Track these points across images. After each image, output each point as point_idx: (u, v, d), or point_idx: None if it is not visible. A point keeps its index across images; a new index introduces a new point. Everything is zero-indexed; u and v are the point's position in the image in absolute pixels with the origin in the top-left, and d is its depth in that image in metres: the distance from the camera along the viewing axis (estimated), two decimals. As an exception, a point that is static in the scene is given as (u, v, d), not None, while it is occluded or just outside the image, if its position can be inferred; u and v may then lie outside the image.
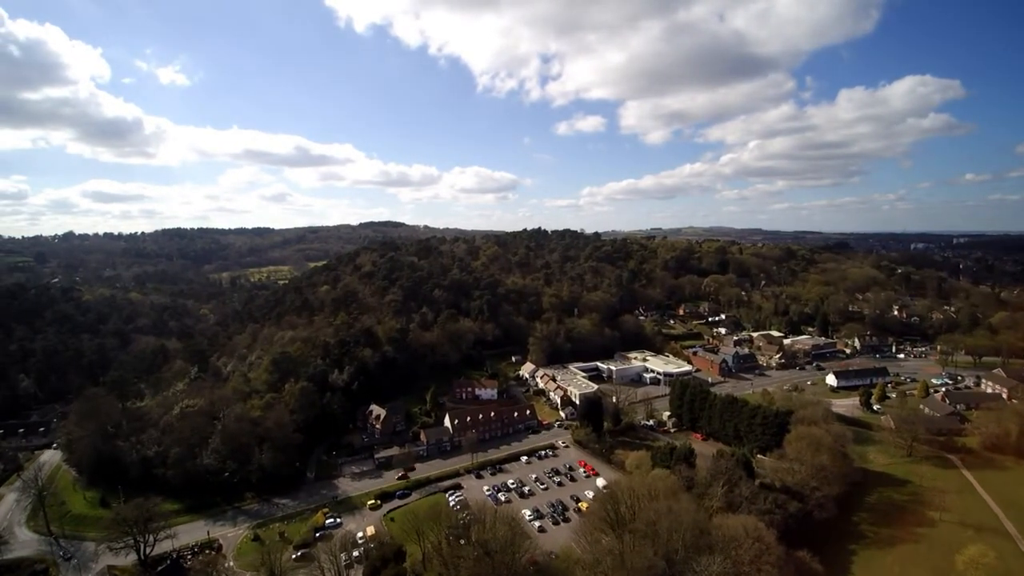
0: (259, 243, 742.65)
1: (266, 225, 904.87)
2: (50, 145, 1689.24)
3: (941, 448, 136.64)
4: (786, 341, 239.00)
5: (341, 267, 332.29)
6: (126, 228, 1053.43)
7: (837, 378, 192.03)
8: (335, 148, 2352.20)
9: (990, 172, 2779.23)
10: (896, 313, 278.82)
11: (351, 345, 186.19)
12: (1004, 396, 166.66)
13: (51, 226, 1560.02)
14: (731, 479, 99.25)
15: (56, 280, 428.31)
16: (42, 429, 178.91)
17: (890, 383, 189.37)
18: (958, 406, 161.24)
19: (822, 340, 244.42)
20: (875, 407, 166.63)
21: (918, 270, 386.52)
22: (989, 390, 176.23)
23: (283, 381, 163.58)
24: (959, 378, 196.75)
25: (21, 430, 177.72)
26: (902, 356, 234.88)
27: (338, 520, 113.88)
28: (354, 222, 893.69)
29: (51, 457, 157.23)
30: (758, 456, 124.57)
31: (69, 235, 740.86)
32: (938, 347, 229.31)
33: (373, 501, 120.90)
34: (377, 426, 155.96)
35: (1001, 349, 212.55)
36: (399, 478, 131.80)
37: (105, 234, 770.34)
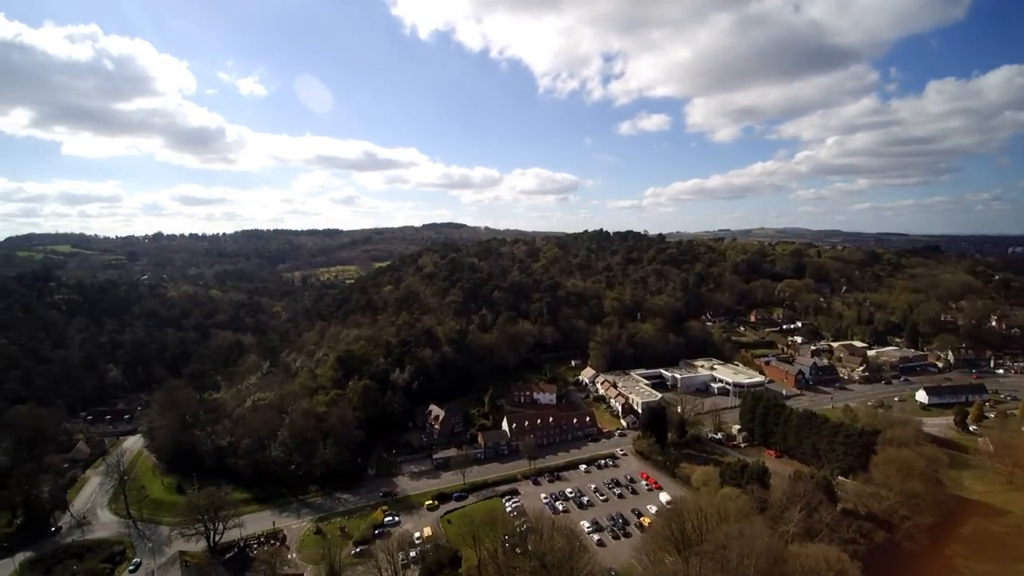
0: (329, 244, 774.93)
1: (335, 227, 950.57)
2: (141, 152, 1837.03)
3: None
4: (870, 352, 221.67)
5: (404, 268, 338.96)
6: (209, 229, 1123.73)
7: (928, 394, 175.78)
8: (400, 152, 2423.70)
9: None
10: (995, 324, 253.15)
11: (412, 345, 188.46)
12: None
13: (143, 227, 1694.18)
14: (810, 503, 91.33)
15: (145, 277, 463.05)
16: (127, 417, 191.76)
17: (988, 401, 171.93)
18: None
19: (911, 352, 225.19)
20: (971, 428, 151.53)
21: (1018, 276, 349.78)
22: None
23: (347, 378, 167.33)
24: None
25: (108, 417, 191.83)
26: (1001, 371, 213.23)
27: (396, 519, 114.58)
28: (417, 223, 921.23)
29: (134, 443, 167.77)
30: (839, 479, 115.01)
31: (158, 235, 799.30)
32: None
33: (431, 501, 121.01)
34: (436, 426, 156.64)
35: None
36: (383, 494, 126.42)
37: (191, 235, 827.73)
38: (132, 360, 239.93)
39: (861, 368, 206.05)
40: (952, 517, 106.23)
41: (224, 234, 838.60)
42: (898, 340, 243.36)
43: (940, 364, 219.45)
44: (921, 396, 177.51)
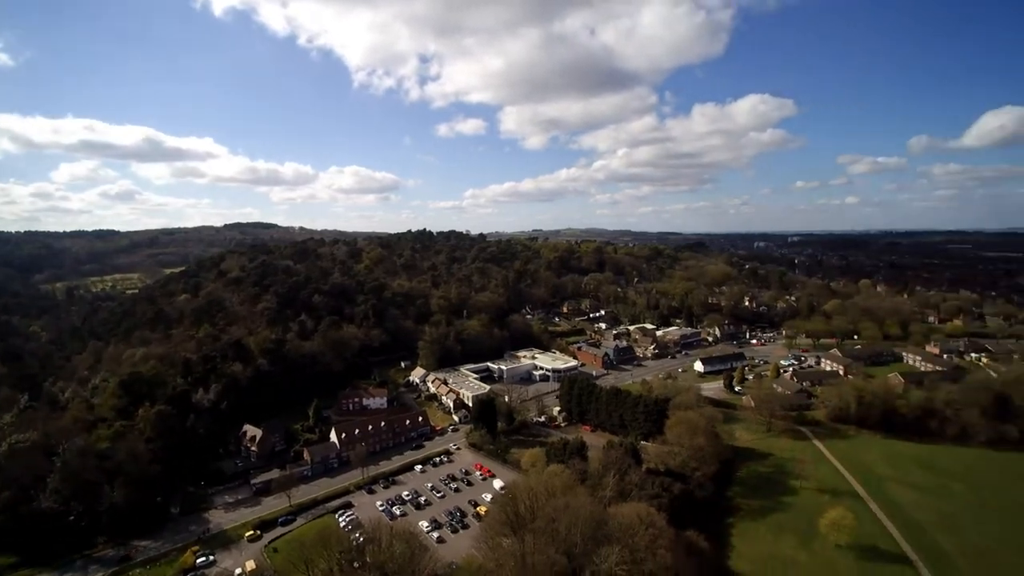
0: (101, 248, 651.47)
1: (110, 227, 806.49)
2: None
3: (794, 422, 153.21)
4: (658, 333, 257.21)
5: (203, 273, 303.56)
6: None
7: (704, 364, 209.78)
8: (193, 141, 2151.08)
9: (817, 180, 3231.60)
10: (747, 304, 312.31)
11: (218, 360, 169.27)
12: (841, 373, 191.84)
13: None
14: (621, 468, 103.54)
15: None
16: None
17: (747, 366, 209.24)
18: (805, 383, 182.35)
19: (689, 330, 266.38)
20: (736, 389, 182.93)
21: (763, 265, 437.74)
22: (829, 368, 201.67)
23: (136, 406, 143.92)
24: (803, 359, 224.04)
25: None
26: (755, 342, 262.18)
27: (211, 558, 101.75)
28: (218, 223, 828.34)
29: None
30: (642, 443, 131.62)
31: None
32: (783, 332, 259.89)
33: (252, 532, 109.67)
34: (253, 448, 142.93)
35: (834, 332, 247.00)
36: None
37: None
38: None
39: (652, 347, 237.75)
40: (729, 464, 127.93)
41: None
42: (678, 321, 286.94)
43: (711, 339, 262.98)
44: (698, 366, 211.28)
